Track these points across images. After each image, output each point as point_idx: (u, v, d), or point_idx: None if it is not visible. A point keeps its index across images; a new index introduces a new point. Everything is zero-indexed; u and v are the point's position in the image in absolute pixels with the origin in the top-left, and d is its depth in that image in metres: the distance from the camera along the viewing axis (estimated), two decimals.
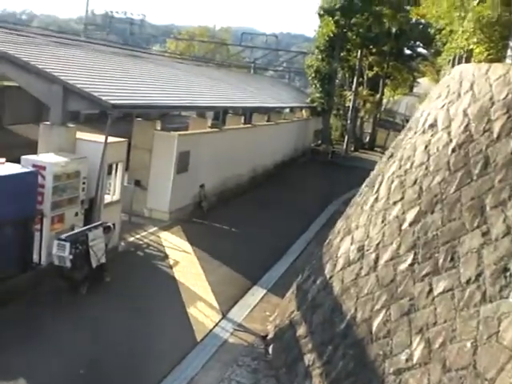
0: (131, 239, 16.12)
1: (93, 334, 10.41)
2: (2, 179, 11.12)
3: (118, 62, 21.11)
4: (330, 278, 10.14)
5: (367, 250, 9.34)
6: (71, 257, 11.31)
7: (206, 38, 61.37)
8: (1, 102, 29.21)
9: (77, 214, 13.37)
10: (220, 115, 23.60)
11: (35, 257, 12.25)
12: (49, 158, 12.75)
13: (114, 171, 14.97)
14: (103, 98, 13.60)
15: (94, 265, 12.01)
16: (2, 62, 14.03)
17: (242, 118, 27.48)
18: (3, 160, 11.87)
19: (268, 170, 29.46)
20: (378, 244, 9.15)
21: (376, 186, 10.64)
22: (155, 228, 17.41)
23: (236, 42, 53.00)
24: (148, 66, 24.17)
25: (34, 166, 12.25)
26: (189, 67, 31.55)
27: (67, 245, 11.31)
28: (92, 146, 13.90)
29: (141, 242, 16.07)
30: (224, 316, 12.13)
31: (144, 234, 16.77)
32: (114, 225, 13.05)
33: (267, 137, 29.20)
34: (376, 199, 10.21)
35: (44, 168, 12.33)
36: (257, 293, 13.73)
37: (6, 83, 18.70)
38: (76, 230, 12.28)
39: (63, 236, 11.62)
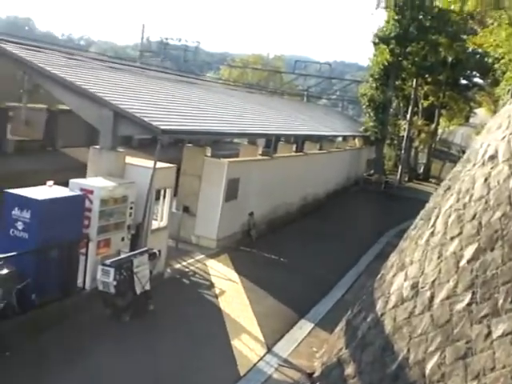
0: (177, 266, 15.88)
1: (131, 365, 10.11)
2: (49, 202, 11.06)
3: (171, 88, 21.17)
4: (382, 315, 9.60)
5: (422, 288, 8.79)
6: (115, 283, 11.12)
7: (260, 66, 61.66)
8: (55, 125, 30.01)
9: (123, 239, 13.23)
10: (272, 143, 23.36)
11: (79, 281, 12.13)
12: (97, 182, 12.68)
13: (162, 197, 14.84)
14: (153, 123, 13.50)
15: (138, 292, 11.79)
16: (54, 86, 14.16)
17: (294, 146, 27.20)
18: (51, 183, 11.86)
19: (319, 199, 29.01)
20: (433, 281, 8.60)
21: (432, 220, 10.09)
22: (202, 256, 17.15)
23: (289, 70, 52.87)
24: (201, 92, 24.21)
25: (81, 189, 12.19)
26: (242, 94, 31.57)
27: (111, 270, 11.14)
28: (141, 171, 13.80)
29: (187, 270, 15.82)
30: (269, 350, 11.68)
31: (190, 261, 16.52)
32: (159, 251, 12.84)
33: (319, 165, 28.80)
34: (432, 233, 9.66)
35: (91, 192, 12.26)
36: (304, 327, 13.24)
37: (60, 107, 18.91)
38: (121, 256, 12.09)
39: (108, 261, 11.45)
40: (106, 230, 12.65)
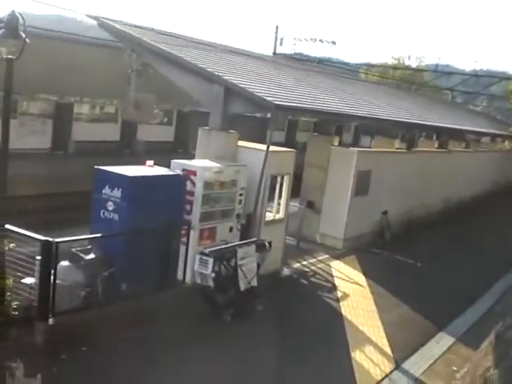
0: (296, 265, 14.08)
1: (224, 373, 8.39)
2: (142, 180, 9.72)
3: (292, 72, 19.32)
4: None
5: None
6: (214, 275, 9.50)
7: (399, 71, 58.31)
8: (187, 126, 29.45)
9: (231, 230, 11.64)
10: (411, 136, 20.79)
11: (179, 274, 10.65)
12: (201, 163, 11.21)
13: (278, 185, 13.13)
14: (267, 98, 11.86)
15: (243, 288, 10.08)
16: (164, 63, 13.00)
17: (436, 143, 24.50)
18: (151, 162, 10.53)
19: (463, 202, 25.88)
20: None
21: None
22: (326, 256, 15.22)
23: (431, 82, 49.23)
24: (328, 79, 22.12)
25: (183, 170, 10.77)
26: (379, 88, 29.12)
27: (210, 260, 9.53)
28: (255, 155, 12.17)
29: (307, 270, 13.96)
30: (398, 366, 9.50)
31: (312, 260, 14.65)
32: (269, 243, 11.02)
33: (464, 165, 25.78)
34: None
35: (194, 173, 10.79)
36: (443, 341, 10.88)
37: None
38: (223, 246, 10.47)
39: (206, 250, 9.87)
40: (210, 217, 11.11)
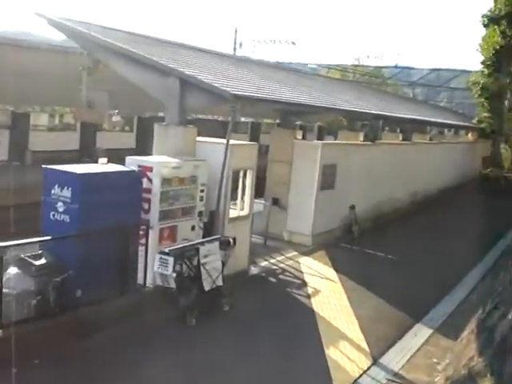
0: (264, 263, 13.51)
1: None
2: (93, 178, 9.05)
3: (249, 67, 18.74)
4: None
5: None
6: (175, 275, 8.85)
7: (359, 71, 58.25)
8: (148, 132, 28.63)
9: (193, 228, 11.02)
10: (375, 129, 20.35)
11: (140, 277, 9.98)
12: (157, 159, 10.58)
13: (241, 181, 12.55)
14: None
15: (207, 288, 9.47)
16: (116, 59, 12.35)
17: (400, 136, 24.21)
18: (105, 160, 9.85)
19: (430, 196, 25.68)
20: None
21: None
22: (294, 253, 14.69)
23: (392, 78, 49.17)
24: (288, 75, 21.57)
25: (139, 167, 10.12)
26: (342, 84, 28.73)
27: (170, 260, 8.87)
28: (215, 149, 11.59)
29: (275, 267, 13.39)
30: (375, 361, 8.98)
31: (280, 258, 14.10)
32: (234, 239, 10.41)
33: (429, 158, 25.56)
34: None
35: (151, 169, 10.15)
36: (420, 333, 10.40)
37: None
38: (184, 244, 9.82)
39: (166, 249, 9.22)
40: (170, 215, 10.49)
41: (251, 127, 36.69)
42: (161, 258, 8.94)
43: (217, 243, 9.85)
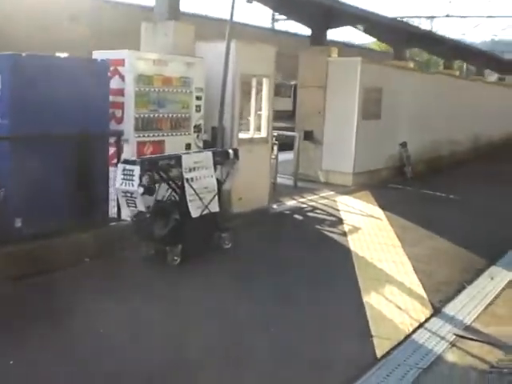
0: (291, 202, 10.82)
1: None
2: (32, 61, 6.48)
3: None
4: None
5: None
6: (142, 190, 6.17)
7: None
8: None
9: (189, 147, 8.39)
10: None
11: (112, 208, 7.43)
12: (133, 52, 7.94)
13: (253, 94, 9.80)
14: None
15: (195, 213, 6.75)
16: None
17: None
18: (65, 54, 7.28)
19: (495, 142, 22.37)
20: None
21: None
22: (331, 192, 11.95)
23: None
24: None
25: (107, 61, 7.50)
26: None
27: (136, 169, 6.19)
28: (218, 49, 8.85)
29: (304, 206, 10.68)
30: (437, 311, 6.15)
31: (312, 197, 11.37)
32: (235, 151, 7.63)
33: (498, 99, 22.15)
34: None
35: (122, 63, 7.53)
36: (498, 276, 7.52)
37: None
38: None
39: (132, 157, 6.60)
40: (152, 126, 7.87)
41: (295, 90, 34.00)
42: (124, 170, 6.28)
43: (209, 154, 7.08)
